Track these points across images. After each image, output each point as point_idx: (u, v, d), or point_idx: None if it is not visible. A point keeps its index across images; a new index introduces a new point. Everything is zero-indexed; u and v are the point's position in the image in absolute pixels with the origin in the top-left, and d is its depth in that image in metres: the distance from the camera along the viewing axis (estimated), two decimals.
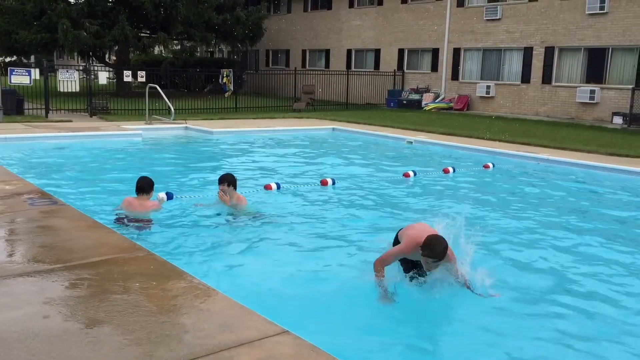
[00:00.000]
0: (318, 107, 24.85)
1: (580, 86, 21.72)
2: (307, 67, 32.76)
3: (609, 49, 21.10)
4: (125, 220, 7.23)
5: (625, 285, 5.74)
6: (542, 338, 4.58)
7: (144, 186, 7.49)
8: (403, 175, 10.74)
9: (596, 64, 21.54)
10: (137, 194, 7.50)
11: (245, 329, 3.74)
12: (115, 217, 7.32)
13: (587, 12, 21.31)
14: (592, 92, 21.21)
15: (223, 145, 15.10)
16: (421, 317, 4.98)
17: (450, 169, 11.28)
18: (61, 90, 19.51)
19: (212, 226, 7.42)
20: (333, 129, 18.07)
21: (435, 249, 4.69)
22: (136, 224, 7.11)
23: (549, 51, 22.71)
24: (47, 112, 18.68)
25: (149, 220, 7.32)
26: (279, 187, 9.32)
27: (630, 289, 5.65)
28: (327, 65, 32.12)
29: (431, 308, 5.11)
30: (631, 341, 4.58)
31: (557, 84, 22.60)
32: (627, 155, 12.93)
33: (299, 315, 4.70)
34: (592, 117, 21.39)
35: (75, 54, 30.87)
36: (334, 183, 9.80)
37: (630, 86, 19.88)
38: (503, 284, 5.49)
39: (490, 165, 11.75)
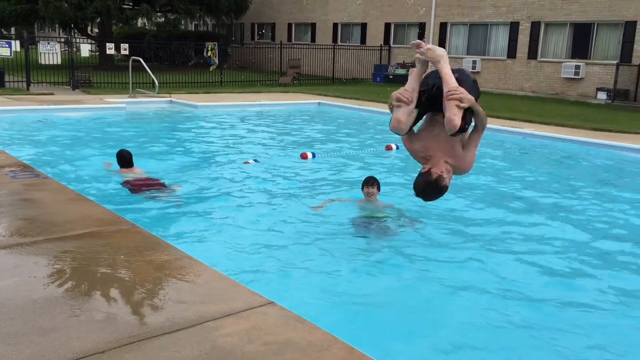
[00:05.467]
0: (304, 81, 24.69)
1: (565, 61, 21.73)
2: (293, 41, 32.43)
3: (594, 24, 21.10)
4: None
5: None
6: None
7: (129, 158, 7.54)
8: (385, 148, 10.80)
9: (581, 40, 21.53)
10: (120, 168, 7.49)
11: (230, 300, 3.74)
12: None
13: None
14: (577, 67, 21.24)
15: (208, 119, 14.97)
16: (409, 287, 5.02)
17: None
18: (42, 63, 19.20)
19: (200, 201, 7.40)
20: (319, 103, 17.98)
21: None
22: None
23: (535, 26, 22.66)
24: (28, 85, 18.38)
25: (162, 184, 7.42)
26: (256, 161, 9.38)
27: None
28: (313, 39, 31.82)
29: (418, 276, 5.16)
30: None
31: (542, 59, 22.61)
32: (609, 130, 13.04)
33: (284, 288, 4.72)
34: (576, 92, 21.47)
35: (57, 25, 30.28)
36: (314, 156, 9.84)
37: (615, 62, 19.95)
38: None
39: None
